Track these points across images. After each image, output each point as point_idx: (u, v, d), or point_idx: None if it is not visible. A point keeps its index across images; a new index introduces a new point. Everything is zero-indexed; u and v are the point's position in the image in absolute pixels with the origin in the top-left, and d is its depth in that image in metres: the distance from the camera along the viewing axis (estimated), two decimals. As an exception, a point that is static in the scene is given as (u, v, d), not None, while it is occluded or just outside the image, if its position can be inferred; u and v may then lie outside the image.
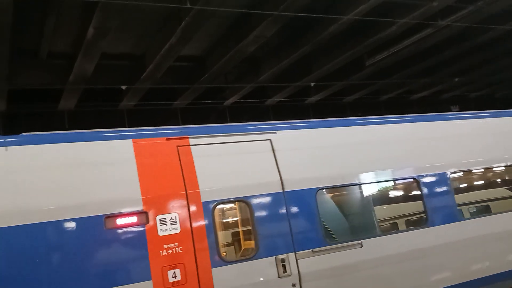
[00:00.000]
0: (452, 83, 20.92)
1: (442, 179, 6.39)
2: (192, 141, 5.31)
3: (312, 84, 16.84)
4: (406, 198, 7.26)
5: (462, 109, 22.57)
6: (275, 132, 5.78)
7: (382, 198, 7.14)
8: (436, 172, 6.40)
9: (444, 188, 6.38)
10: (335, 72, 16.93)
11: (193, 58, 14.86)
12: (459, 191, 7.40)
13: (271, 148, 5.61)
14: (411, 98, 22.89)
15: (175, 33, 11.42)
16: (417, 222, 6.53)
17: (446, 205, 6.30)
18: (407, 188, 7.22)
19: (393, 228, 7.02)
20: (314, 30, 13.13)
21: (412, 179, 6.30)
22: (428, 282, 5.99)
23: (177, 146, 5.21)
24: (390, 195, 7.37)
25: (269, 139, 5.67)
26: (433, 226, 6.10)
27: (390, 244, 5.80)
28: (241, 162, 5.43)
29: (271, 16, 11.24)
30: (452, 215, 6.28)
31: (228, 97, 17.80)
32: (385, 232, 6.59)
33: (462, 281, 6.13)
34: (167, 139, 5.25)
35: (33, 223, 4.39)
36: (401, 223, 7.03)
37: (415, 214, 6.74)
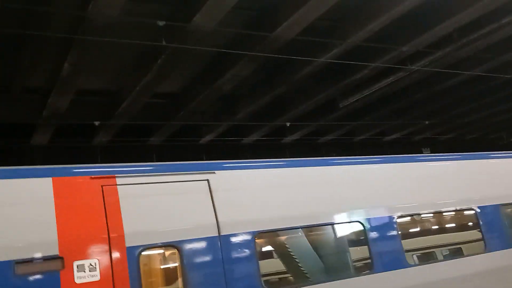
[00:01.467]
0: (423, 126, 21.44)
1: (389, 222, 6.11)
2: (119, 180, 4.93)
3: (288, 124, 17.05)
4: (351, 242, 6.77)
5: (433, 151, 23.06)
6: (214, 172, 5.44)
7: (328, 242, 6.72)
8: (383, 215, 6.14)
9: (391, 232, 6.09)
10: (310, 113, 17.25)
11: (169, 95, 14.95)
12: (407, 236, 7.10)
13: (208, 189, 5.26)
14: (384, 140, 23.34)
15: (151, 70, 11.52)
16: (360, 268, 6.20)
17: (392, 250, 6.00)
18: (352, 231, 6.81)
19: (338, 274, 6.49)
20: (289, 71, 13.42)
21: (357, 222, 5.99)
22: None
23: (102, 186, 4.82)
24: (334, 239, 6.93)
25: (207, 179, 5.34)
26: (377, 272, 5.75)
27: None
28: (174, 204, 5.05)
29: (246, 56, 11.47)
30: (398, 261, 5.95)
31: (204, 135, 17.85)
32: (331, 278, 6.12)
33: None
34: (91, 178, 4.85)
35: None
36: (344, 269, 6.53)
37: (359, 260, 6.41)
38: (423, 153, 19.25)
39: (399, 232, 6.19)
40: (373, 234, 5.96)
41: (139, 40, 9.81)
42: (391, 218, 6.18)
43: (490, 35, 12.09)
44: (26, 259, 4.26)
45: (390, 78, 14.10)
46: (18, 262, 4.22)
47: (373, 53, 12.80)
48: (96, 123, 14.11)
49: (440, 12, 11.32)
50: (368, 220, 6.00)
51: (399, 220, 6.28)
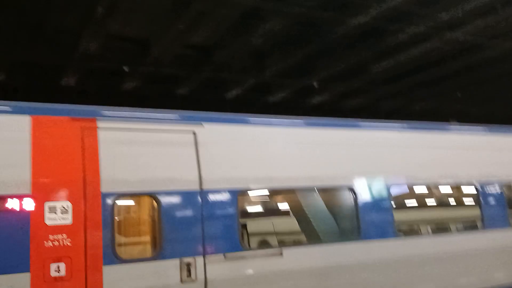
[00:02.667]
0: (455, 98, 20.95)
1: (381, 191, 5.91)
2: (100, 124, 4.73)
3: (315, 84, 16.84)
4: (340, 208, 6.59)
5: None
6: (202, 125, 5.21)
7: (315, 205, 6.53)
8: (376, 183, 5.92)
9: (383, 202, 5.90)
10: (340, 75, 16.95)
11: (199, 47, 14.82)
12: (399, 207, 6.86)
13: (194, 142, 5.05)
14: (412, 109, 22.89)
15: (184, 19, 11.40)
16: (348, 234, 6.00)
17: (382, 220, 5.84)
18: (342, 197, 6.70)
19: (318, 239, 6.32)
20: (324, 30, 13.13)
21: (347, 189, 5.80)
22: None
23: (82, 128, 4.64)
24: (323, 203, 6.76)
25: (193, 132, 5.11)
26: (366, 239, 5.62)
27: (314, 256, 5.31)
28: (156, 154, 4.86)
29: (281, 12, 11.23)
30: (388, 231, 5.81)
31: (230, 89, 17.78)
32: (310, 242, 6.06)
33: None
34: (71, 119, 4.66)
35: None
36: (329, 235, 6.34)
37: (347, 226, 6.22)
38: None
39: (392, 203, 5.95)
40: (364, 202, 5.74)
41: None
42: (385, 186, 5.94)
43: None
44: None
45: (427, 45, 13.68)
46: None
47: (411, 18, 12.38)
48: (126, 68, 14.16)
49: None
50: (358, 187, 5.76)
51: (393, 190, 5.99)
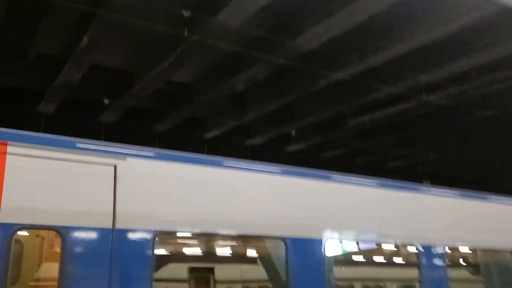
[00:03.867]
0: (427, 159, 21.37)
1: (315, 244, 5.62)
2: (10, 148, 4.40)
3: (293, 132, 17.01)
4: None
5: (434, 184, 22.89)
6: (125, 159, 4.86)
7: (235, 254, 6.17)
8: (311, 236, 5.62)
9: (316, 256, 5.57)
10: (317, 125, 17.19)
11: (181, 85, 14.92)
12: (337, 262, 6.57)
13: (113, 176, 4.69)
14: (387, 166, 23.23)
15: (168, 57, 11.50)
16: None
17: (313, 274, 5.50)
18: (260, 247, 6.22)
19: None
20: (304, 81, 13.41)
21: (279, 239, 5.41)
22: None
23: None
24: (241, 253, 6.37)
25: (114, 165, 4.75)
26: None
27: None
28: (69, 186, 4.50)
29: (264, 60, 11.46)
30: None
31: (209, 130, 17.82)
32: None
33: None
34: None
35: None
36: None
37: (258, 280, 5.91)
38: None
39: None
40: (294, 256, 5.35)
41: (162, 25, 9.79)
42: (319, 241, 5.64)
43: (508, 80, 12.04)
44: None
45: (404, 105, 14.06)
46: None
47: (391, 78, 12.77)
48: (106, 101, 14.09)
49: (462, 47, 11.30)
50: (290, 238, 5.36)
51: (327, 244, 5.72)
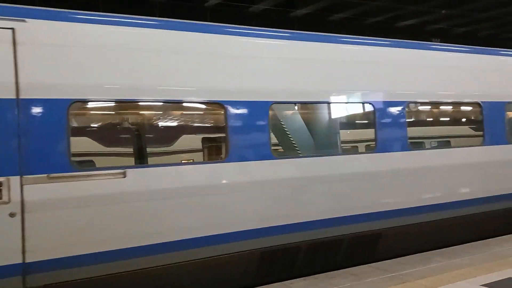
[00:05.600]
0: (439, 15, 20.52)
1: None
2: None
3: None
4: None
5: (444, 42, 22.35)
6: (25, 20, 4.32)
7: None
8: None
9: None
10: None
11: None
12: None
13: (11, 41, 4.22)
14: (396, 25, 22.39)
15: None
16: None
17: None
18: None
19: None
20: None
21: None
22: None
23: None
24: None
25: (12, 28, 4.25)
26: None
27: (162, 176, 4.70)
28: None
29: None
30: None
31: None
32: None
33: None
34: None
35: None
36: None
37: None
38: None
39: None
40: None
41: None
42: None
43: None
44: None
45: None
46: None
47: None
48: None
49: None
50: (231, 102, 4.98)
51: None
